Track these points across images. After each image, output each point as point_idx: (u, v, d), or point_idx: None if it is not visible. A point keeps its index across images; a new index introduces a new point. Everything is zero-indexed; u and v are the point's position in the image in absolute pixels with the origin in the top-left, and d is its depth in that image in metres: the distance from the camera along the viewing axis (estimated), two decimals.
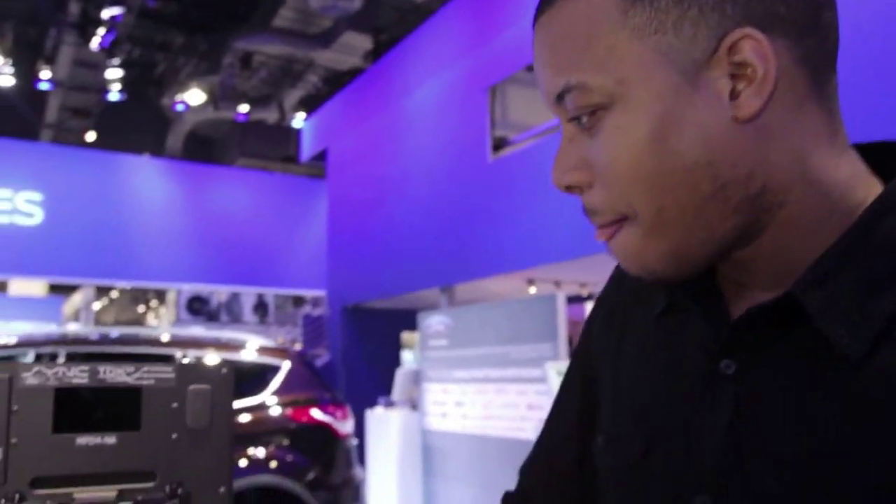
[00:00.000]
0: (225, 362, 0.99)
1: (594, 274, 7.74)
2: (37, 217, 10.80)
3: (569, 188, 0.64)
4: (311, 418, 4.39)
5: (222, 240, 11.67)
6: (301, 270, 11.95)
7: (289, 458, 4.25)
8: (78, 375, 0.89)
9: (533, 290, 8.14)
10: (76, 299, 16.91)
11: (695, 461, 0.61)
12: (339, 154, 10.89)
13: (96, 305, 18.98)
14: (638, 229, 0.60)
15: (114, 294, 20.74)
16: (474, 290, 8.20)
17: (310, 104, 13.82)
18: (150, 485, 0.90)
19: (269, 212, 12.22)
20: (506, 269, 7.12)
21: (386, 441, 6.92)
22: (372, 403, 7.41)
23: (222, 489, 0.94)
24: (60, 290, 14.85)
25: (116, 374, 0.91)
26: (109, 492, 0.88)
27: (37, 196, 10.83)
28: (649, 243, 0.60)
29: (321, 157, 11.62)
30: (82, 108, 16.20)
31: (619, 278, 0.81)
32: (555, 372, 5.15)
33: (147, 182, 11.75)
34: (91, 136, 16.51)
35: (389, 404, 7.29)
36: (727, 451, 0.59)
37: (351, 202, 10.27)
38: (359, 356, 9.97)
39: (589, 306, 10.59)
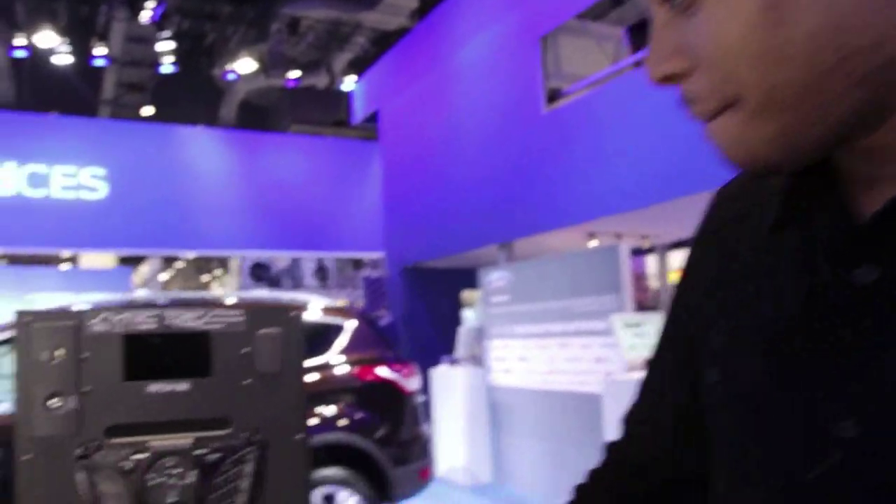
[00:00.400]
0: (293, 306, 0.95)
1: (656, 225, 7.57)
2: (101, 191, 11.07)
3: (666, 79, 0.56)
4: (378, 376, 4.40)
5: (281, 206, 11.79)
6: (359, 233, 12.02)
7: (357, 415, 4.28)
8: (145, 321, 0.86)
9: (593, 243, 8.01)
10: (144, 270, 17.39)
11: (832, 385, 0.54)
12: (390, 114, 10.83)
13: (163, 276, 19.50)
14: (743, 112, 0.53)
15: (179, 264, 21.27)
16: (533, 245, 8.11)
17: (359, 66, 13.77)
18: (225, 432, 0.87)
19: (324, 177, 12.28)
20: (565, 223, 7.00)
21: (452, 398, 6.95)
22: (435, 362, 7.43)
23: (299, 436, 0.91)
24: (129, 262, 15.26)
25: (184, 319, 0.88)
26: (185, 439, 0.85)
27: (100, 171, 11.08)
28: (756, 126, 0.52)
29: (373, 118, 11.58)
30: (137, 82, 16.48)
31: (719, 205, 0.74)
32: (621, 324, 5.06)
33: (205, 152, 11.91)
34: (147, 111, 16.81)
35: (453, 362, 7.31)
36: (870, 370, 0.51)
37: (405, 162, 10.23)
38: (420, 316, 10.01)
39: (651, 259, 10.40)
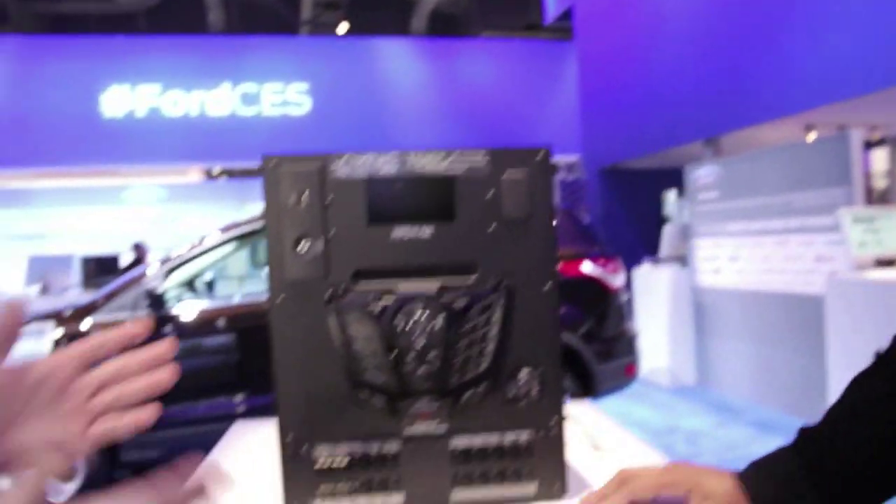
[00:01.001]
0: (540, 148, 0.88)
1: (888, 113, 6.74)
2: (305, 106, 11.65)
3: None
4: (582, 272, 4.33)
5: (475, 112, 11.84)
6: (553, 136, 11.83)
7: (561, 310, 4.24)
8: (388, 164, 0.83)
9: (811, 137, 7.32)
10: None
11: None
12: (586, 9, 10.36)
13: None
14: None
15: None
16: (743, 140, 7.56)
17: None
18: (471, 279, 0.84)
19: (517, 80, 12.13)
20: (780, 114, 6.42)
21: (655, 299, 6.77)
22: (635, 264, 7.24)
23: (548, 286, 0.86)
24: None
25: (427, 163, 0.84)
26: (431, 285, 0.83)
27: (304, 86, 11.64)
28: None
29: (566, 17, 11.17)
30: (333, 1, 16.93)
31: None
32: (850, 219, 4.61)
33: (399, 63, 12.13)
34: (343, 28, 17.29)
35: (656, 262, 7.08)
36: None
37: (603, 58, 9.81)
38: (618, 217, 9.78)
39: (879, 154, 9.40)
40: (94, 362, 0.67)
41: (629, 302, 5.02)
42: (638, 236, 9.18)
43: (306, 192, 0.82)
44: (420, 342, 0.81)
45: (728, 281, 6.12)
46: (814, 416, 0.74)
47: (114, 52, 11.30)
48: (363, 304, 0.81)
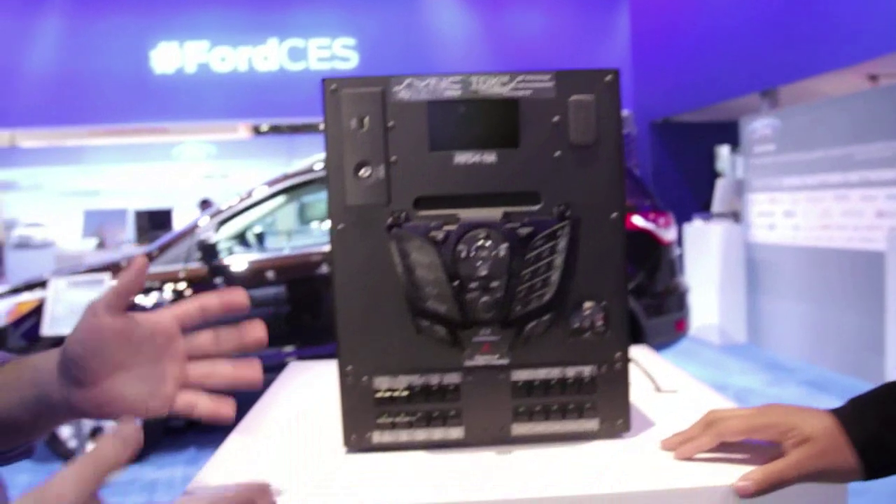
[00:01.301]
0: (609, 70, 0.84)
1: None
2: (352, 61, 11.59)
3: None
4: (633, 225, 4.26)
5: (524, 65, 11.63)
6: None
7: None
8: (450, 87, 0.80)
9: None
10: None
11: None
12: None
13: None
14: None
15: None
16: (801, 92, 7.31)
17: None
18: (535, 207, 0.81)
19: (567, 32, 11.86)
20: (842, 64, 6.18)
21: (706, 255, 6.65)
22: (686, 219, 7.11)
23: (614, 215, 0.82)
24: None
25: (490, 85, 0.81)
26: (494, 212, 0.80)
27: (351, 41, 11.56)
28: None
29: None
30: None
31: None
32: None
33: (447, 15, 11.95)
34: None
35: (708, 218, 6.95)
36: None
37: (656, 7, 9.55)
38: (669, 172, 9.60)
39: None
40: (192, 325, 0.69)
41: (680, 257, 4.93)
42: (689, 191, 9.00)
43: (367, 117, 0.80)
44: (483, 271, 0.79)
45: (783, 237, 5.97)
46: (870, 375, 0.71)
47: (163, 8, 11.35)
48: (425, 232, 0.79)
